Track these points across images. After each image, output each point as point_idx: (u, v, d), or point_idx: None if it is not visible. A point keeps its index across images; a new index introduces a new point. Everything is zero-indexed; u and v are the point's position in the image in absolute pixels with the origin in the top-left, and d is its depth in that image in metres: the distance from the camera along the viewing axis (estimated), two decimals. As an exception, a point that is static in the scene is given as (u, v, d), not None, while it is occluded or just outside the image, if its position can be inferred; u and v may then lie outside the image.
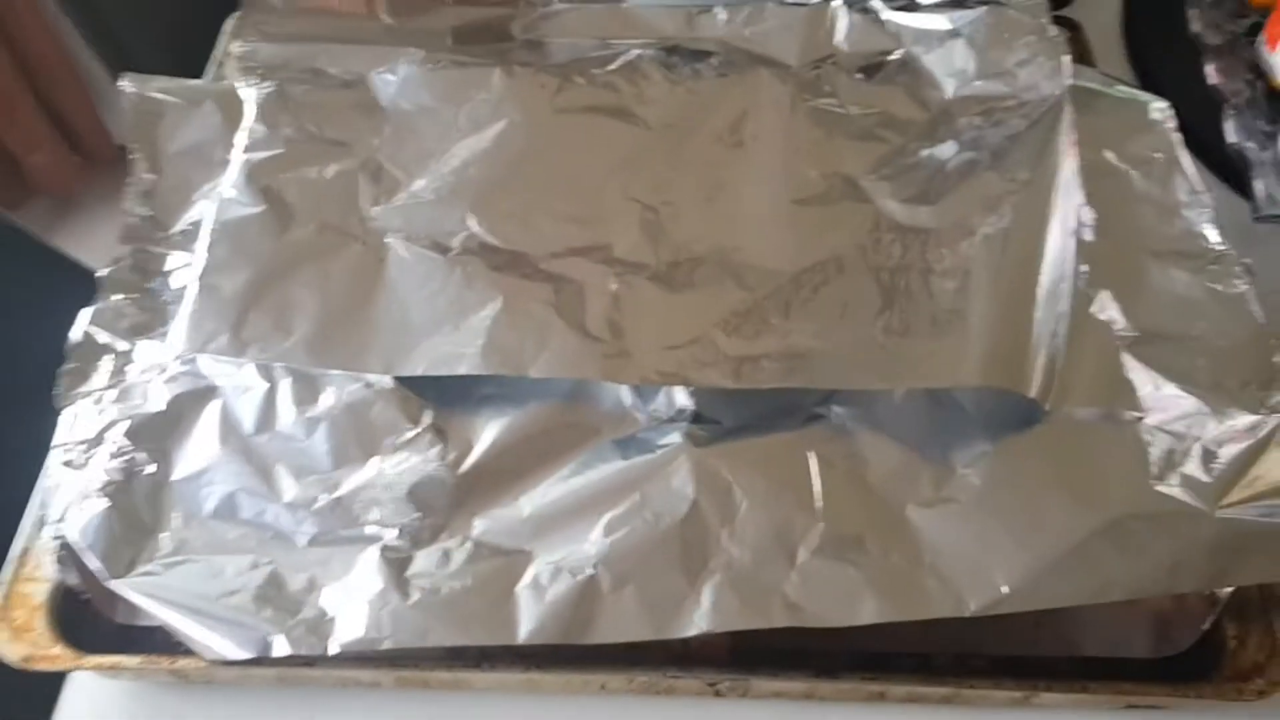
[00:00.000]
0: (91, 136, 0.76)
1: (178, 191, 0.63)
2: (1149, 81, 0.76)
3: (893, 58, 0.71)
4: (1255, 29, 0.72)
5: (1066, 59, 0.67)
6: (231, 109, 0.65)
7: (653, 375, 0.53)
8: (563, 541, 0.50)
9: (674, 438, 0.53)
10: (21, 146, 0.72)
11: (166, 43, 0.83)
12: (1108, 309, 0.57)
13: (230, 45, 0.72)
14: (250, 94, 0.65)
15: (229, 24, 0.74)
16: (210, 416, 0.54)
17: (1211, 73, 0.72)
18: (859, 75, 0.70)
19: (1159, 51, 0.77)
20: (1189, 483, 0.51)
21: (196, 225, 0.61)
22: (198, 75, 0.73)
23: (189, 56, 0.76)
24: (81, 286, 0.60)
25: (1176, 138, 0.65)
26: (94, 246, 0.75)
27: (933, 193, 0.62)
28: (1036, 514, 0.50)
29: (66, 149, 0.75)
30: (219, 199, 0.60)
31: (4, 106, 0.69)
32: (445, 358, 0.54)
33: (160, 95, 0.65)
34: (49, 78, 0.72)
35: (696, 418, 0.54)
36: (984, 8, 0.71)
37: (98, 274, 0.58)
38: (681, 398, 0.54)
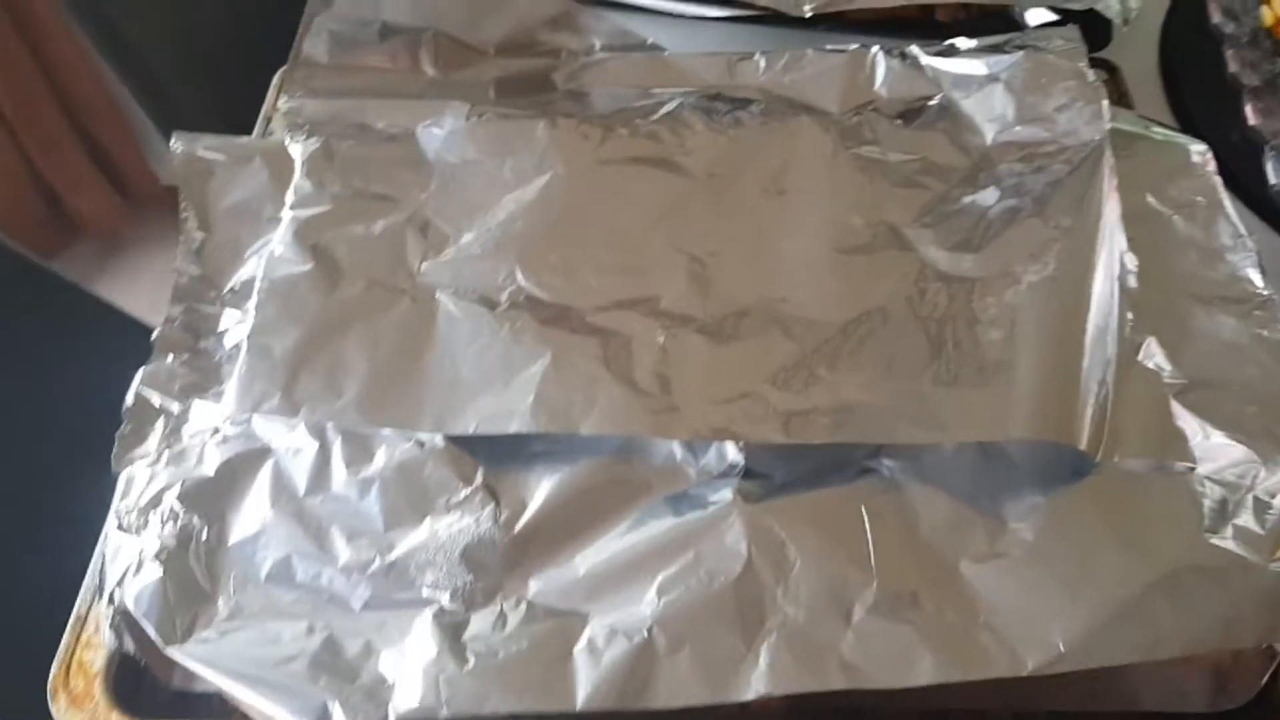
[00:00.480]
0: (137, 179, 0.77)
1: (228, 249, 0.63)
2: (1188, 123, 0.76)
3: (932, 103, 0.71)
4: (1294, 69, 0.72)
5: (1105, 104, 0.67)
6: (279, 165, 0.66)
7: (703, 430, 0.54)
8: (618, 602, 0.50)
9: (726, 494, 0.53)
10: (67, 188, 0.73)
11: (216, 98, 0.84)
12: (1154, 356, 0.57)
13: (278, 101, 0.72)
14: (297, 150, 0.66)
15: (277, 79, 0.75)
16: (263, 479, 0.54)
17: (1251, 113, 0.72)
18: (899, 121, 0.70)
19: (1197, 92, 0.77)
20: (1242, 534, 0.50)
21: (248, 283, 0.61)
22: (247, 130, 0.74)
23: (238, 110, 0.77)
24: (127, 334, 0.60)
25: (1218, 180, 0.65)
26: (139, 291, 0.76)
27: (976, 240, 0.62)
28: (1090, 568, 0.50)
29: (111, 191, 0.76)
30: (267, 256, 0.61)
31: (49, 149, 0.71)
32: (496, 416, 0.54)
33: (209, 154, 0.66)
34: (93, 120, 0.73)
35: (747, 473, 0.54)
36: (1021, 52, 0.71)
37: (152, 336, 0.59)
38: (732, 452, 0.54)
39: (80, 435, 0.59)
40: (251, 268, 0.62)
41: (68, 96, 0.70)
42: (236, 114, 0.76)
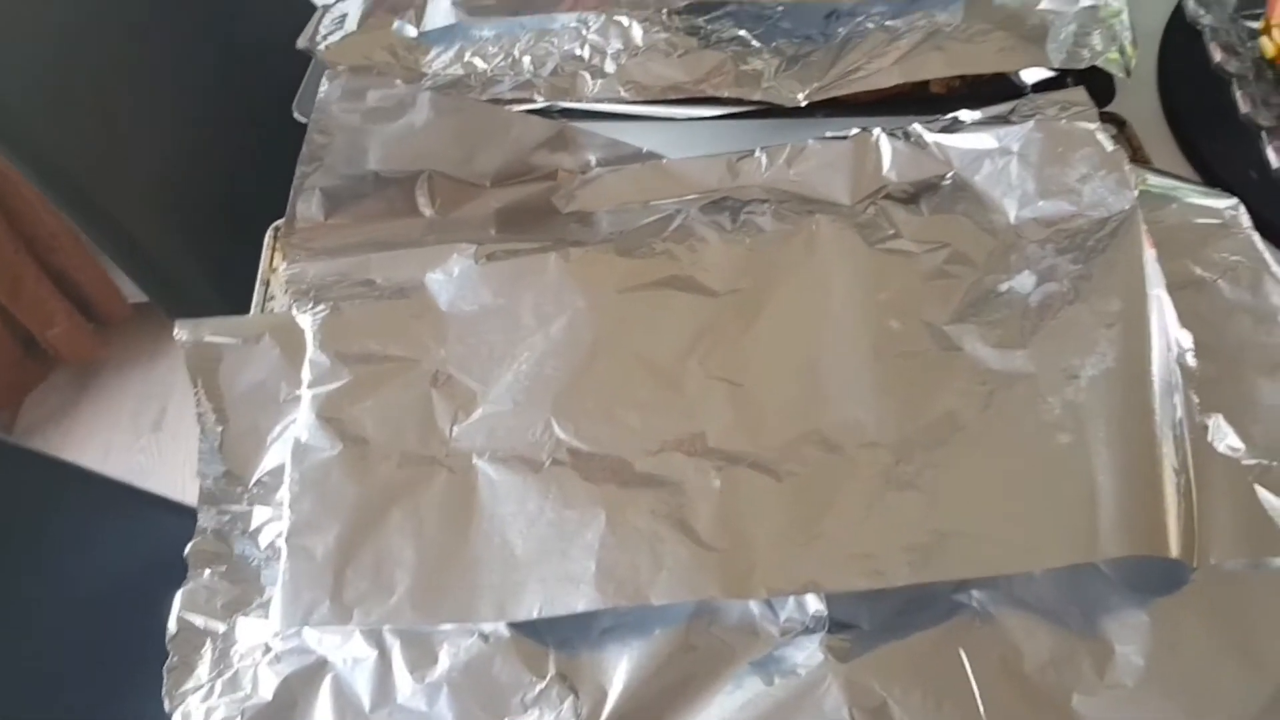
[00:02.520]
0: (105, 303, 0.77)
1: (249, 438, 0.60)
2: (1206, 170, 0.74)
3: (945, 182, 0.68)
4: (1308, 104, 0.70)
5: (1129, 170, 0.64)
6: (290, 340, 0.63)
7: (783, 585, 0.51)
8: (724, 794, 0.47)
9: (815, 653, 0.50)
10: (37, 323, 0.73)
11: (203, 256, 0.82)
12: (1226, 437, 0.55)
13: (274, 261, 0.70)
14: (306, 321, 0.63)
15: (269, 237, 0.72)
16: (324, 696, 0.51)
17: (1274, 156, 0.70)
18: (914, 205, 0.68)
19: (1210, 136, 0.75)
20: (1355, 627, 0.48)
21: (274, 473, 0.58)
22: (239, 283, 0.71)
23: (226, 264, 0.74)
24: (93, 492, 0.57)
25: (1255, 237, 0.63)
26: (120, 412, 0.74)
27: (1022, 333, 0.59)
28: (1209, 687, 0.48)
29: (82, 319, 0.76)
30: (294, 445, 0.58)
31: (12, 286, 0.70)
32: (559, 594, 0.51)
33: (216, 338, 0.63)
34: (56, 253, 0.72)
35: (832, 624, 0.51)
36: (1030, 121, 0.68)
37: (185, 552, 0.56)
38: (814, 603, 0.52)
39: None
40: (276, 455, 0.59)
41: (29, 234, 0.68)
42: (220, 266, 0.74)
